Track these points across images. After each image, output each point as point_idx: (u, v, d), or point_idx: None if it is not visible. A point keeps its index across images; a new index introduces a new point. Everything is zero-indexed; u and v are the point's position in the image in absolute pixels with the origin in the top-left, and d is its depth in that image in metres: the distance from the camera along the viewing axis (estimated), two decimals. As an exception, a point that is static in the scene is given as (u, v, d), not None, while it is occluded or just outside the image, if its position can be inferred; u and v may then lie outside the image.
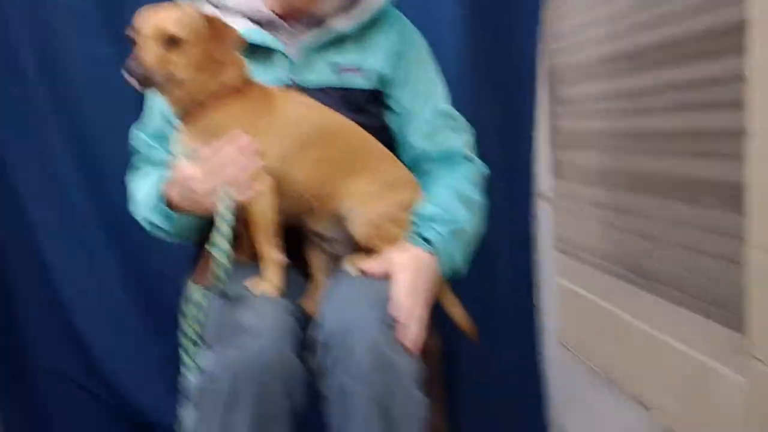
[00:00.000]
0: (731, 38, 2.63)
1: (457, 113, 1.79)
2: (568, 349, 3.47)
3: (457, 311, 1.71)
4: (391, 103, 1.75)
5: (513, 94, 2.19)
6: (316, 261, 1.68)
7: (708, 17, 2.88)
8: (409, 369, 1.44)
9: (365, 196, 1.59)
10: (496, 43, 2.17)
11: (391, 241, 1.58)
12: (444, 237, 1.58)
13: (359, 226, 1.58)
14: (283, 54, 1.69)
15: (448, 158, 1.73)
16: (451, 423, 2.05)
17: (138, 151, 1.76)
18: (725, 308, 2.44)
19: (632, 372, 2.96)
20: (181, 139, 1.57)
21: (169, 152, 1.66)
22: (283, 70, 1.69)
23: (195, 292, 1.49)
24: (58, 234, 2.19)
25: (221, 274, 1.47)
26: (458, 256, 1.62)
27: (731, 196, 2.73)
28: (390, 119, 1.76)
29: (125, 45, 2.06)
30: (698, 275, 2.90)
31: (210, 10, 1.69)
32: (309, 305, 1.61)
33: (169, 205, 1.60)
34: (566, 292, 3.67)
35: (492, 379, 2.22)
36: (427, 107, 1.75)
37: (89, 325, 2.21)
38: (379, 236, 1.58)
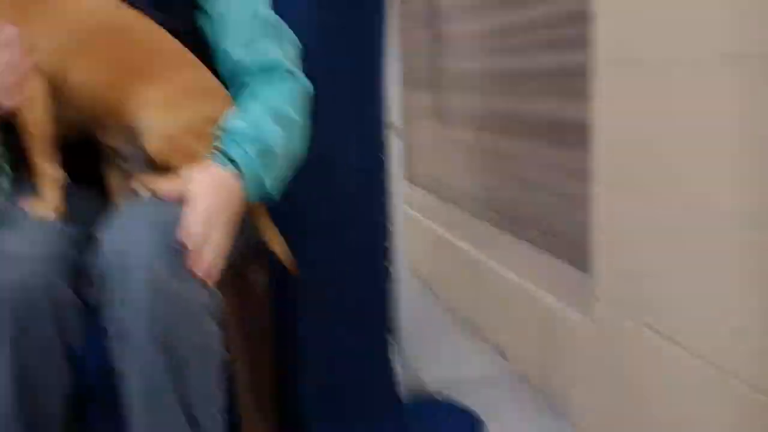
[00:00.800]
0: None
1: (281, 22, 1.62)
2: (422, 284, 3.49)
3: (274, 240, 1.59)
4: (205, 4, 1.57)
5: (361, 29, 2.08)
6: (114, 182, 1.52)
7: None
8: (199, 300, 1.29)
9: (160, 105, 1.41)
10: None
11: (190, 157, 1.40)
12: (250, 157, 1.43)
13: (152, 139, 1.40)
14: None
15: (267, 71, 1.56)
16: (285, 362, 1.97)
17: None
18: (574, 248, 2.45)
19: (487, 314, 2.98)
20: None
21: None
22: None
23: None
24: None
25: None
26: (267, 179, 1.47)
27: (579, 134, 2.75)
28: (204, 22, 1.58)
29: None
30: (551, 215, 2.92)
31: None
32: None
33: None
34: (420, 227, 3.68)
35: (338, 314, 2.10)
36: (246, 12, 1.57)
37: None
38: (176, 151, 1.40)
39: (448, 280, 3.48)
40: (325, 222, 2.06)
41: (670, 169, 1.65)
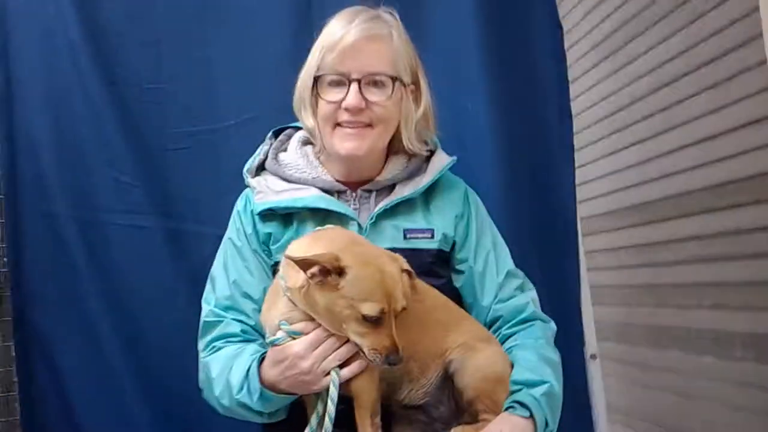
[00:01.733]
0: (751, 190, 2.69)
1: (521, 272, 1.80)
2: None
3: None
4: (459, 265, 1.76)
5: (557, 252, 2.19)
6: None
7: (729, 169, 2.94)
8: None
9: (465, 347, 1.57)
10: (537, 201, 2.19)
11: (494, 404, 1.55)
12: (538, 401, 1.55)
13: (466, 374, 1.55)
14: (355, 220, 1.68)
15: (523, 321, 1.73)
16: None
17: (209, 325, 1.69)
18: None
19: None
20: (289, 317, 1.53)
21: (241, 322, 1.65)
22: None
23: None
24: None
25: None
26: (550, 419, 1.58)
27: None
28: (458, 281, 1.76)
29: (163, 219, 2.14)
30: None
31: (278, 183, 1.72)
32: None
33: (262, 384, 1.54)
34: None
35: None
36: (502, 271, 1.76)
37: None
38: (485, 393, 1.55)
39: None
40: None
41: None
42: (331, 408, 1.44)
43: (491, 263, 1.76)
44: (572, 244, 2.21)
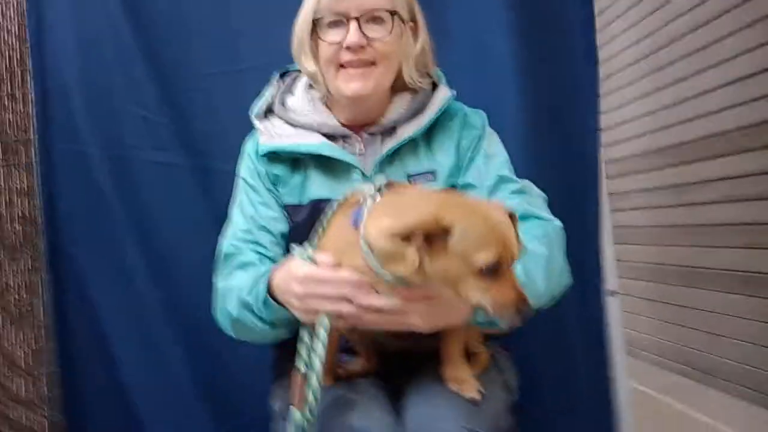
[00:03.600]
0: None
1: (526, 181, 1.74)
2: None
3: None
4: (461, 187, 1.72)
5: (578, 193, 2.19)
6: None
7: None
8: None
9: None
10: (560, 143, 2.19)
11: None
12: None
13: None
14: (358, 168, 1.69)
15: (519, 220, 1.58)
16: None
17: (227, 258, 1.71)
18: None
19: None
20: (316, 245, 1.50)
21: (258, 253, 1.66)
22: (358, 183, 1.68)
23: (298, 417, 1.43)
24: (127, 334, 2.21)
25: (312, 398, 1.42)
26: (540, 283, 1.55)
27: None
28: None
29: (190, 156, 2.20)
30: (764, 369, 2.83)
31: (284, 128, 1.74)
32: None
33: (270, 290, 1.54)
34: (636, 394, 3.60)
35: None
36: (487, 175, 1.71)
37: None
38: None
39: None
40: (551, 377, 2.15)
41: None
42: (321, 350, 1.42)
43: (480, 173, 1.70)
44: (593, 183, 2.20)
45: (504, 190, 1.69)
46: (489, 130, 1.79)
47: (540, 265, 1.56)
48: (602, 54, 2.23)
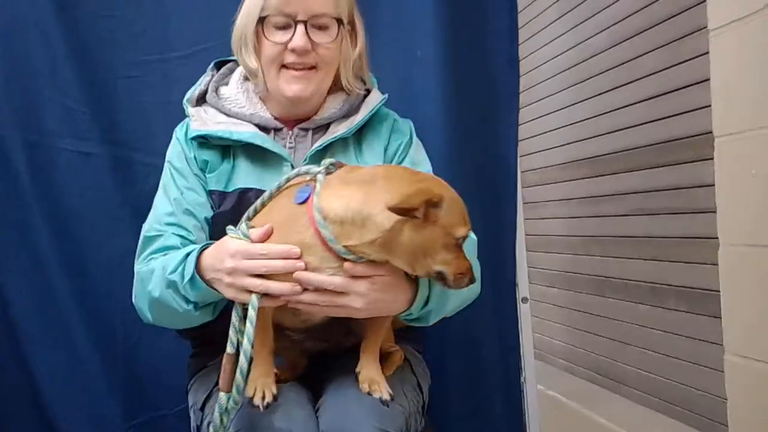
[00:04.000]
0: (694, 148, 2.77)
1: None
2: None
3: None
4: None
5: (495, 200, 2.24)
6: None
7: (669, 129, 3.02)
8: None
9: None
10: (480, 150, 2.24)
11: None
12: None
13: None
14: (288, 161, 1.71)
15: None
16: None
17: (148, 240, 1.69)
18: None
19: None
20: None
21: (181, 237, 1.65)
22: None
23: (224, 399, 1.44)
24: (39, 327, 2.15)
25: (241, 379, 1.43)
26: (433, 297, 1.57)
27: (699, 299, 2.82)
28: None
29: (110, 146, 2.15)
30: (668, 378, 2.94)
31: (217, 116, 1.74)
32: None
33: (198, 269, 1.53)
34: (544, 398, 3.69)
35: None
36: None
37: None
38: None
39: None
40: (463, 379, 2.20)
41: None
42: (250, 329, 1.42)
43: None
44: (511, 191, 2.26)
45: None
46: (416, 139, 1.84)
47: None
48: (524, 65, 2.29)
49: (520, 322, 2.28)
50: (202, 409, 1.66)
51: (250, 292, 1.45)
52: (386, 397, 1.51)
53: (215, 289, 1.51)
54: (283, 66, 1.69)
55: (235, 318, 1.47)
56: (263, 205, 1.54)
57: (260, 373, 1.51)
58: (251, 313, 1.43)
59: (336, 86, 1.79)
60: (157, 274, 1.59)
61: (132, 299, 1.69)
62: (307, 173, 1.53)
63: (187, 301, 1.55)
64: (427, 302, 1.55)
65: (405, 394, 1.61)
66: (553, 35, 4.13)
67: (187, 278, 1.52)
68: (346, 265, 1.44)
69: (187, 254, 1.55)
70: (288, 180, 1.54)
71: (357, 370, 1.57)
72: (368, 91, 1.82)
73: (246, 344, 1.42)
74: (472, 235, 1.73)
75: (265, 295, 1.45)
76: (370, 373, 1.56)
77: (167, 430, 2.14)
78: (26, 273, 2.14)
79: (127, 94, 2.16)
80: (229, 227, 1.53)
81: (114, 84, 2.16)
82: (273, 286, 1.44)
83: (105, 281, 2.11)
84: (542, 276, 4.30)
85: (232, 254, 1.46)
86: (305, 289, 1.45)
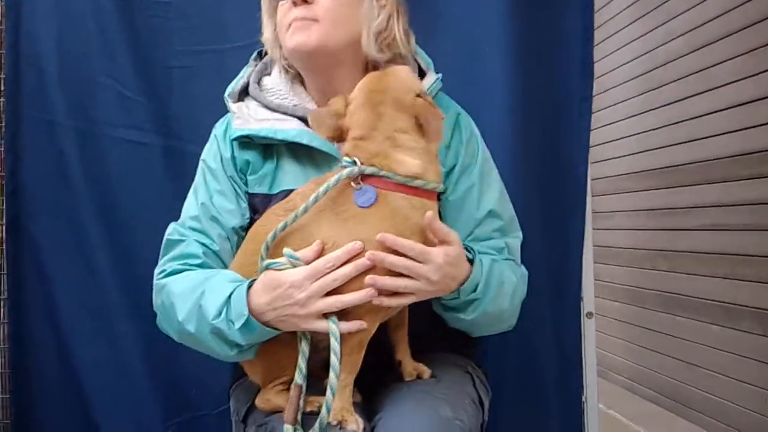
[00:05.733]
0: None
1: (509, 215, 1.68)
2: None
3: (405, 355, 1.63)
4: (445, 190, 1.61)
5: (562, 209, 2.12)
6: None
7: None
8: None
9: None
10: (547, 156, 2.12)
11: None
12: (485, 263, 1.52)
13: None
14: (337, 158, 1.56)
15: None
16: None
17: (170, 244, 1.62)
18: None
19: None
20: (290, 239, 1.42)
21: (203, 245, 1.57)
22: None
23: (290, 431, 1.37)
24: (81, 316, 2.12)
25: (327, 415, 1.35)
26: (482, 285, 1.51)
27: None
28: (441, 204, 1.61)
29: (163, 137, 2.10)
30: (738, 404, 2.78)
31: (260, 111, 1.65)
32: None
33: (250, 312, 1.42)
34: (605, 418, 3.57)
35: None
36: (478, 204, 1.64)
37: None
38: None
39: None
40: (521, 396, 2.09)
41: None
42: (335, 362, 1.34)
43: (473, 197, 1.63)
44: (580, 200, 2.13)
45: (489, 225, 1.63)
46: (483, 146, 1.72)
47: (509, 291, 1.57)
48: (596, 69, 2.16)
49: (584, 338, 2.15)
50: (243, 421, 1.59)
51: (325, 316, 1.38)
52: (429, 377, 1.56)
53: (276, 329, 1.42)
54: (290, 25, 1.59)
55: (305, 345, 1.41)
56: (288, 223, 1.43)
57: (345, 401, 1.42)
58: (334, 344, 1.35)
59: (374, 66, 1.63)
60: (188, 305, 1.49)
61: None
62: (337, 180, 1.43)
63: (233, 345, 1.45)
64: (475, 288, 1.49)
65: (466, 409, 1.52)
66: (627, 39, 3.99)
67: (238, 324, 1.41)
68: (428, 214, 1.40)
69: (229, 296, 1.44)
70: (326, 190, 1.43)
71: (398, 358, 1.58)
72: (423, 74, 1.68)
73: (332, 378, 1.35)
74: (518, 237, 1.69)
75: (340, 316, 1.38)
76: (411, 363, 1.58)
77: (208, 430, 2.10)
78: (73, 261, 2.10)
79: (181, 83, 2.11)
80: (264, 262, 1.43)
81: (168, 74, 2.11)
82: (347, 298, 1.37)
83: (152, 276, 2.05)
84: (606, 289, 4.15)
85: (297, 284, 1.37)
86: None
